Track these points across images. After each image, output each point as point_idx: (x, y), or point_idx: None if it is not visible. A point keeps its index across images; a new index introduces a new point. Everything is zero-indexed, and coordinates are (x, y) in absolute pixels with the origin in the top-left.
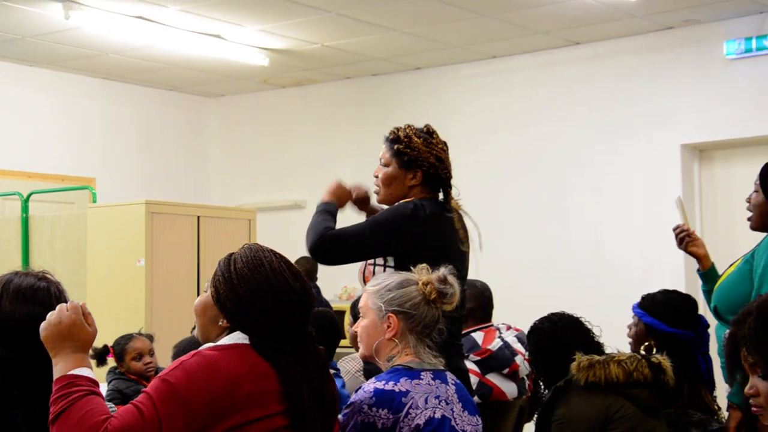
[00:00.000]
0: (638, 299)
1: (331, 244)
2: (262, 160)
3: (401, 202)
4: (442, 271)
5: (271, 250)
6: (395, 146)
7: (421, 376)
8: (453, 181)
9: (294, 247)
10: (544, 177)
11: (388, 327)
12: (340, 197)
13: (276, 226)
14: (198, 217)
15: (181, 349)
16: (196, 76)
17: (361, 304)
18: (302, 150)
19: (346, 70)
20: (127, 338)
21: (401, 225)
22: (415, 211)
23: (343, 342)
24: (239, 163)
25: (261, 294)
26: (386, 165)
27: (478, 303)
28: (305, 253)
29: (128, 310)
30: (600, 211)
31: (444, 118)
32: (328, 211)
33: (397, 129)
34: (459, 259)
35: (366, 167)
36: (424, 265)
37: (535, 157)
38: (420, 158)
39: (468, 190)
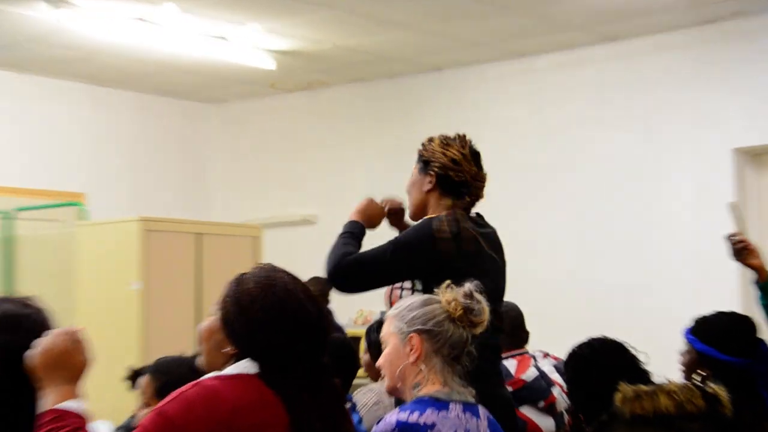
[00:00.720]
0: (688, 320)
1: (349, 270)
2: (268, 172)
3: (425, 218)
4: (467, 286)
5: (285, 270)
6: (418, 149)
7: (450, 408)
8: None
9: (304, 267)
10: (581, 185)
11: (411, 349)
12: (371, 216)
13: (284, 244)
14: (198, 234)
15: (160, 367)
16: (196, 81)
17: (383, 332)
18: (313, 160)
19: (361, 71)
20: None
21: (423, 245)
22: (439, 227)
23: (360, 372)
24: (243, 176)
25: (272, 316)
26: (413, 173)
27: (510, 327)
28: (316, 273)
29: (121, 338)
30: (643, 221)
31: (469, 122)
32: (351, 232)
33: (429, 138)
34: (495, 277)
35: (382, 178)
36: (447, 282)
37: (570, 163)
38: (432, 159)
39: (496, 199)
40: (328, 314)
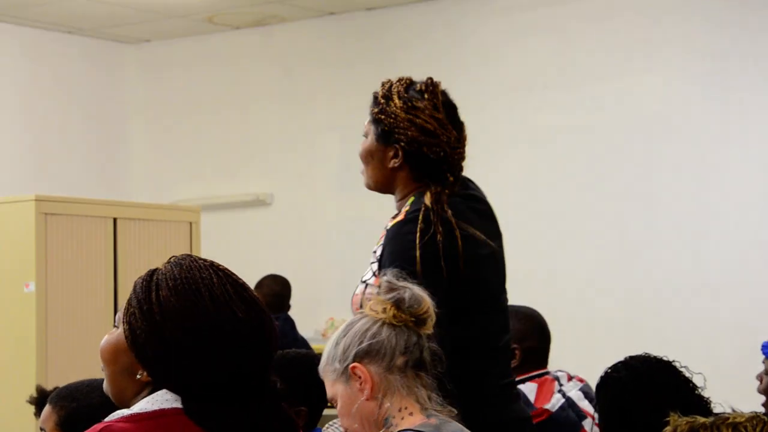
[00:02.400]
0: (760, 331)
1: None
2: (206, 137)
3: (395, 223)
4: (382, 280)
5: (212, 265)
6: (372, 109)
7: None
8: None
9: (255, 261)
10: (619, 158)
11: (360, 384)
12: None
13: (229, 232)
14: (114, 219)
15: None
16: (108, 13)
17: (327, 393)
18: (265, 121)
19: (328, 3)
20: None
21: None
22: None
23: None
24: (173, 142)
25: (195, 333)
26: (366, 134)
27: (535, 340)
28: (270, 266)
29: (13, 353)
30: (699, 203)
31: (469, 69)
32: None
33: (384, 84)
34: (495, 271)
35: (357, 144)
36: (368, 293)
37: (604, 129)
38: (397, 129)
39: (502, 176)
40: (280, 322)
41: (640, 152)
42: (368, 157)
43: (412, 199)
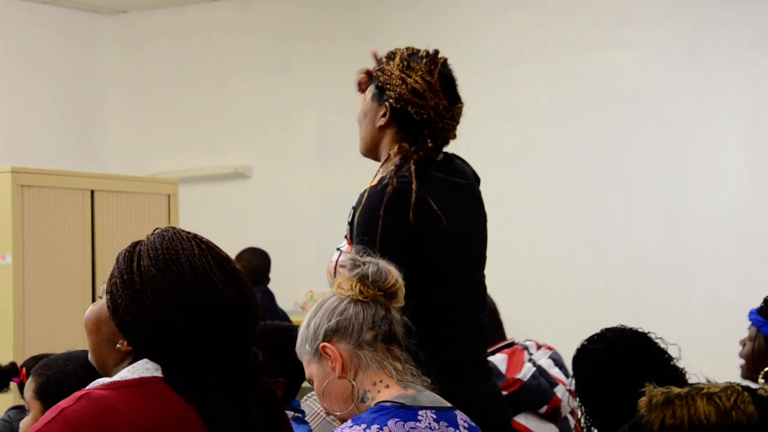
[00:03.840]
0: (736, 305)
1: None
2: (185, 109)
3: (368, 188)
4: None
5: (194, 237)
6: (373, 69)
7: (419, 417)
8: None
9: (234, 234)
10: (598, 129)
11: (331, 363)
12: None
13: (208, 205)
14: (92, 191)
15: (40, 366)
16: None
17: (306, 373)
18: (245, 93)
19: None
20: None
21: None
22: (395, 193)
23: None
24: (151, 114)
25: (174, 303)
26: (364, 97)
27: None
28: (249, 239)
29: None
30: (680, 176)
31: (447, 45)
32: None
33: (391, 50)
34: (471, 248)
35: (339, 118)
36: (332, 281)
37: (587, 99)
38: (388, 86)
39: (480, 150)
40: (264, 296)
41: (618, 127)
42: (362, 117)
43: (392, 167)
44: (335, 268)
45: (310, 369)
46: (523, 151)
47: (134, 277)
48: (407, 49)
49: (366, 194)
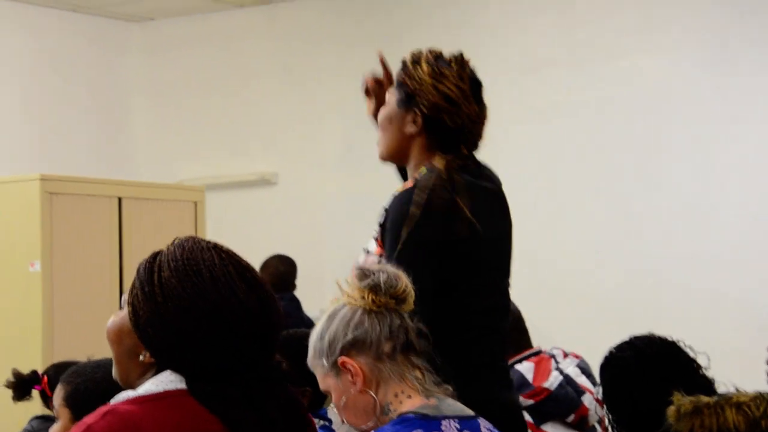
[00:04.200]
0: (763, 310)
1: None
2: (211, 116)
3: (401, 191)
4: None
5: (215, 247)
6: (398, 74)
7: (443, 428)
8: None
9: (260, 240)
10: (623, 137)
11: (352, 377)
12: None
13: (234, 212)
14: (119, 198)
15: (69, 374)
16: None
17: (320, 386)
18: (271, 100)
19: None
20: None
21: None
22: (430, 195)
23: None
24: (178, 121)
25: (196, 314)
26: (388, 101)
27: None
28: (275, 246)
29: (18, 334)
30: (704, 180)
31: (480, 49)
32: None
33: (414, 53)
34: (500, 254)
35: (363, 123)
36: (336, 280)
37: (610, 109)
38: (419, 93)
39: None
40: (286, 302)
41: (645, 131)
42: (386, 122)
43: (423, 169)
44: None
45: (326, 382)
46: (548, 154)
47: (155, 289)
48: (430, 52)
49: (401, 196)
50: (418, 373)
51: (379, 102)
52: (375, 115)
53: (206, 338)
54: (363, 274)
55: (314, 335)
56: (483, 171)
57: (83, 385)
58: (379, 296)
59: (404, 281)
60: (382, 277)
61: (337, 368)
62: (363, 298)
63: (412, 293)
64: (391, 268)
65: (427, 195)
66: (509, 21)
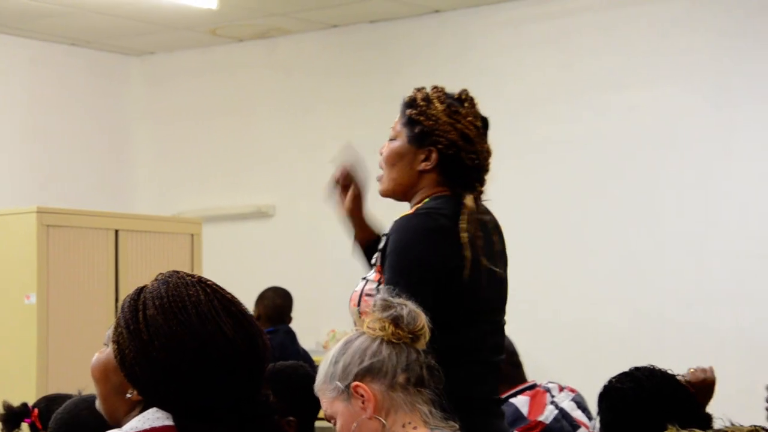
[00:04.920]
0: (762, 344)
1: None
2: (209, 149)
3: (403, 216)
4: (378, 297)
5: (199, 281)
6: (408, 111)
7: None
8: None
9: (257, 273)
10: (622, 170)
11: (363, 403)
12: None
13: (231, 243)
14: (116, 231)
15: (59, 422)
16: (112, 25)
17: (324, 411)
18: (268, 133)
19: (333, 14)
20: (63, 400)
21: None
22: (434, 222)
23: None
24: (176, 153)
25: (182, 352)
26: (394, 138)
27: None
28: (271, 278)
29: (13, 367)
30: (704, 218)
31: (472, 83)
32: None
33: (418, 90)
34: (498, 285)
35: (362, 156)
36: (355, 310)
37: (608, 141)
38: (437, 131)
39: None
40: (281, 334)
41: (644, 164)
42: (395, 158)
43: (426, 200)
44: (359, 297)
45: (335, 407)
46: (548, 188)
47: (140, 326)
48: (437, 89)
49: (404, 220)
50: (425, 408)
51: (352, 194)
52: (348, 209)
53: (194, 375)
54: (387, 305)
55: (326, 361)
56: (482, 205)
57: (67, 426)
58: (399, 329)
59: (423, 320)
60: (405, 311)
61: (348, 393)
62: (383, 329)
63: (428, 334)
64: (412, 304)
65: (436, 228)
66: (507, 55)
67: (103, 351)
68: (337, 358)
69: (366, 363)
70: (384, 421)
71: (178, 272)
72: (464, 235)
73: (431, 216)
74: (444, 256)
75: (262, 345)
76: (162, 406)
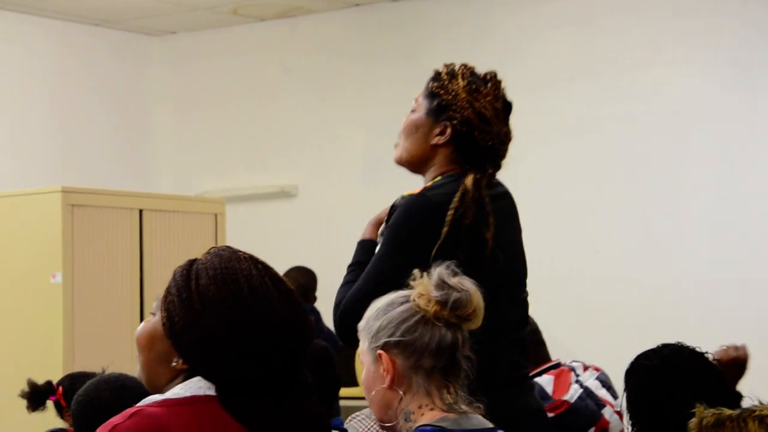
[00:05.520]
0: None
1: (354, 315)
2: (231, 129)
3: (410, 194)
4: (436, 273)
5: (251, 258)
6: (430, 84)
7: None
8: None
9: (280, 253)
10: (645, 150)
11: (384, 371)
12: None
13: (254, 224)
14: (140, 210)
15: (81, 404)
16: (134, 5)
17: (359, 349)
18: (290, 113)
19: None
20: (87, 378)
21: (420, 229)
22: (436, 201)
23: (355, 391)
24: (199, 134)
25: (233, 323)
26: (414, 110)
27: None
28: (295, 258)
29: (39, 346)
30: (728, 200)
31: (498, 62)
32: (358, 263)
33: (447, 65)
34: (512, 260)
35: (384, 136)
36: (416, 271)
37: (630, 122)
38: (454, 106)
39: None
40: (310, 315)
41: (665, 145)
42: (412, 129)
43: (438, 179)
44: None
45: (364, 357)
46: (569, 168)
47: (193, 296)
48: (465, 67)
49: (411, 198)
50: (447, 393)
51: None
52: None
53: (241, 347)
54: (440, 284)
55: (371, 310)
56: (493, 182)
57: (87, 406)
58: (443, 311)
59: (474, 303)
60: (455, 296)
61: (374, 355)
62: (427, 306)
63: (481, 313)
64: (470, 285)
65: (457, 204)
66: (528, 35)
67: (149, 320)
68: (379, 315)
69: (397, 336)
70: (401, 394)
71: (230, 247)
72: (450, 213)
73: (432, 197)
74: (433, 236)
75: (308, 324)
76: (206, 376)
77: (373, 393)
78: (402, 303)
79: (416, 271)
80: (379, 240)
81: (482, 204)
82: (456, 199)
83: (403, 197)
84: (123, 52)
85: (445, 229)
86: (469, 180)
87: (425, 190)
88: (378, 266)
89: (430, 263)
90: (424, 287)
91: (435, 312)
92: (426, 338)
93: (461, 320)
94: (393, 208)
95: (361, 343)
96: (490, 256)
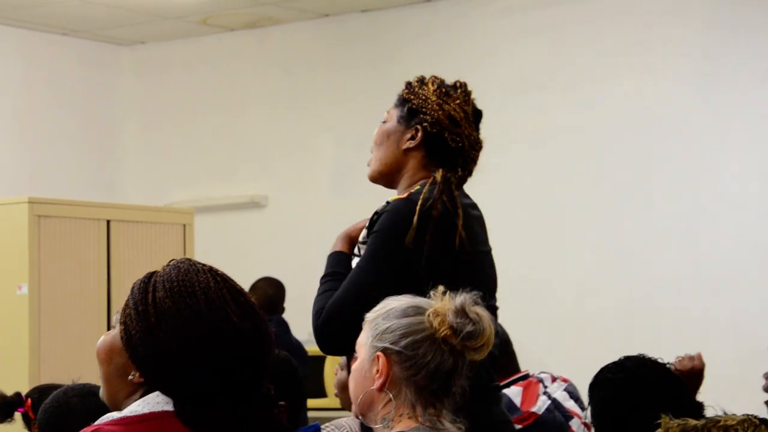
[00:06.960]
0: (760, 333)
1: (332, 326)
2: (201, 139)
3: (395, 199)
4: (459, 299)
5: (210, 270)
6: (402, 92)
7: None
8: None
9: (249, 263)
10: (614, 159)
11: (377, 372)
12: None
13: (223, 234)
14: (108, 221)
15: (49, 412)
16: (103, 14)
17: (359, 337)
18: (260, 123)
19: (324, 3)
20: (55, 390)
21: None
22: (427, 202)
23: (323, 402)
24: (168, 143)
25: (188, 336)
26: (386, 120)
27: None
28: (264, 269)
29: (5, 357)
30: (696, 207)
31: (467, 72)
32: (333, 273)
33: (418, 77)
34: (489, 272)
35: (355, 147)
36: (440, 288)
37: (600, 130)
38: (424, 109)
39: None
40: (278, 327)
41: (636, 153)
42: (383, 137)
43: (417, 187)
44: None
45: (361, 351)
46: (539, 178)
47: (149, 309)
48: (434, 77)
49: (399, 203)
50: (432, 409)
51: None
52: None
53: (198, 360)
54: (460, 311)
55: (386, 308)
56: (465, 192)
57: (55, 413)
58: (453, 338)
59: (486, 336)
60: (471, 328)
61: (372, 351)
62: (439, 326)
63: (490, 346)
64: (487, 319)
65: (434, 212)
66: (499, 44)
67: (109, 333)
68: (389, 316)
69: (399, 346)
70: (390, 398)
71: (190, 259)
72: (419, 203)
73: (426, 190)
74: (450, 244)
75: (267, 335)
76: (163, 390)
77: (360, 385)
78: (416, 314)
79: (440, 287)
80: (360, 246)
81: (451, 194)
82: (425, 190)
83: (388, 203)
84: (91, 61)
85: (414, 219)
86: (439, 174)
87: (411, 195)
88: (365, 270)
89: (413, 262)
90: (442, 308)
91: (445, 336)
92: (428, 358)
93: (467, 350)
94: (377, 214)
95: (362, 333)
96: (459, 245)
